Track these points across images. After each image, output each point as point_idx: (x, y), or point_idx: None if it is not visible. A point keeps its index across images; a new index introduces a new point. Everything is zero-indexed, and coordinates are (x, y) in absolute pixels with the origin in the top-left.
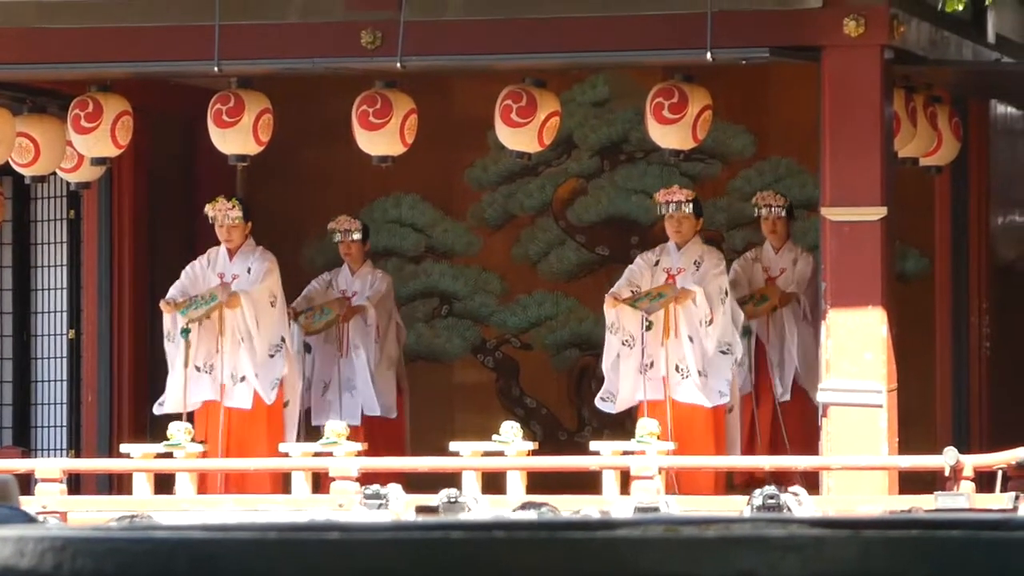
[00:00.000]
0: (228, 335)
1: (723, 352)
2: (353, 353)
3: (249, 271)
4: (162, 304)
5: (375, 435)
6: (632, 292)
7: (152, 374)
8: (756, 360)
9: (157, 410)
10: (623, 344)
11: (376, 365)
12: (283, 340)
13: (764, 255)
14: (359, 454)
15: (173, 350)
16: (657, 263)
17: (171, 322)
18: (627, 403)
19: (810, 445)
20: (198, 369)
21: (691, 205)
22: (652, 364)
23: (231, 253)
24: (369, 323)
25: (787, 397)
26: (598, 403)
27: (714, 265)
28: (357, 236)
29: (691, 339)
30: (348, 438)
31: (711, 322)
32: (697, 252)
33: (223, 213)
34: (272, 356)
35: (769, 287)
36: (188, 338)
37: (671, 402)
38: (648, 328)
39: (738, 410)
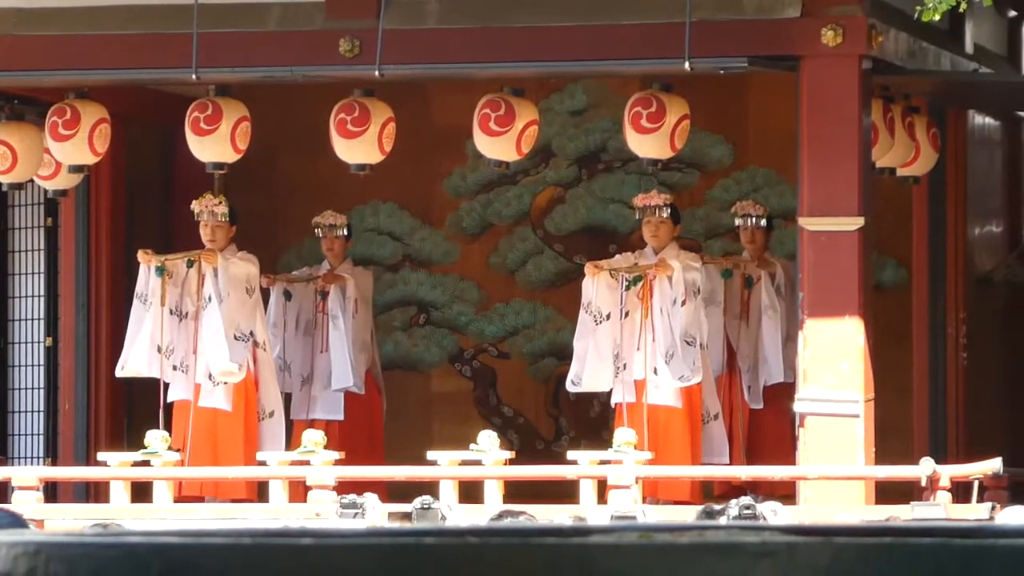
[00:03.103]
0: (202, 329)
1: (688, 343)
2: (331, 323)
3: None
4: (140, 254)
5: (358, 420)
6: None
7: (130, 382)
8: (728, 367)
9: (119, 373)
10: (594, 321)
11: (352, 342)
12: (251, 335)
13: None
14: (337, 462)
15: (141, 312)
16: (635, 265)
17: (144, 278)
18: (592, 387)
19: (784, 456)
20: (175, 368)
21: (668, 210)
22: (626, 366)
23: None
24: (348, 294)
25: (759, 405)
26: (568, 385)
27: (692, 259)
28: (342, 232)
29: (662, 312)
30: (330, 431)
31: (683, 303)
32: (673, 256)
33: (209, 209)
34: (236, 339)
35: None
36: (163, 276)
37: (646, 407)
38: (627, 288)
39: (723, 418)
